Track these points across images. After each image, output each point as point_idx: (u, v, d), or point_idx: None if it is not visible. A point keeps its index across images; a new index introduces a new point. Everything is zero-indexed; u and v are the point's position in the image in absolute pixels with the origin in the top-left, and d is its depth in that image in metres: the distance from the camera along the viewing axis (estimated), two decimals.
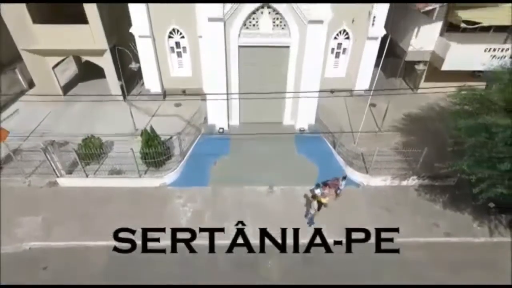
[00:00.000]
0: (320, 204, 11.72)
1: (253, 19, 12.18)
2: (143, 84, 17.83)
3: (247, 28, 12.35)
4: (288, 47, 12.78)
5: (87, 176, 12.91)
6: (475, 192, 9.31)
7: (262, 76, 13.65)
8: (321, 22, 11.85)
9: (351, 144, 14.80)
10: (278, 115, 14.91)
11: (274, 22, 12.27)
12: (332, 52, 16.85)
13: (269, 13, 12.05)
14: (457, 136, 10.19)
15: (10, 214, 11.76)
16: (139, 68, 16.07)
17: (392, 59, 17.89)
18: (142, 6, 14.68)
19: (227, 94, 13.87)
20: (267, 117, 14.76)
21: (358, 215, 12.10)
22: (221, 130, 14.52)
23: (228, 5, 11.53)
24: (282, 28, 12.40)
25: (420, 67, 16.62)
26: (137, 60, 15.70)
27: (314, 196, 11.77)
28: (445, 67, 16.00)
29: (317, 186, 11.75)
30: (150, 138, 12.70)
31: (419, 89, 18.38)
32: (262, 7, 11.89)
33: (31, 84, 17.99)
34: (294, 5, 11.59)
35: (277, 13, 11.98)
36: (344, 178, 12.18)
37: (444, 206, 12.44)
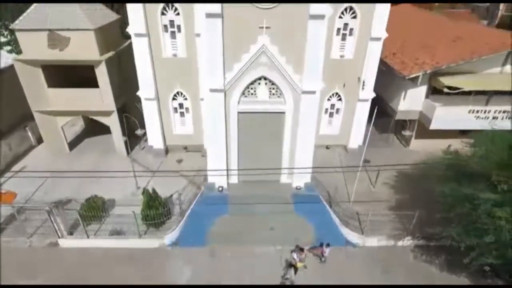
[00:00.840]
0: (296, 269, 11.91)
1: (251, 88, 13.26)
2: (146, 139, 18.67)
3: (245, 96, 13.38)
4: (283, 112, 13.74)
5: (88, 237, 13.16)
6: (466, 262, 9.56)
7: (260, 137, 14.44)
8: (313, 92, 12.90)
9: (346, 202, 15.21)
10: (276, 174, 15.48)
11: (270, 91, 13.35)
12: (326, 112, 17.90)
13: (266, 83, 13.16)
14: (444, 202, 10.65)
15: (9, 277, 11.85)
16: (144, 126, 17.08)
17: (384, 117, 18.95)
18: (149, 71, 15.92)
19: (227, 153, 14.61)
20: (264, 175, 15.32)
21: (353, 276, 12.18)
22: (220, 189, 15.02)
23: (228, 77, 12.64)
24: (278, 96, 13.44)
25: (407, 133, 17.72)
26: (142, 125, 16.70)
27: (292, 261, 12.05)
28: (433, 126, 16.92)
29: (293, 250, 12.09)
30: (151, 199, 13.16)
31: (410, 145, 19.23)
32: (259, 79, 13.01)
33: (39, 140, 18.82)
34: (289, 77, 12.70)
35: (273, 83, 13.09)
36: (328, 245, 12.36)
37: (441, 268, 12.54)
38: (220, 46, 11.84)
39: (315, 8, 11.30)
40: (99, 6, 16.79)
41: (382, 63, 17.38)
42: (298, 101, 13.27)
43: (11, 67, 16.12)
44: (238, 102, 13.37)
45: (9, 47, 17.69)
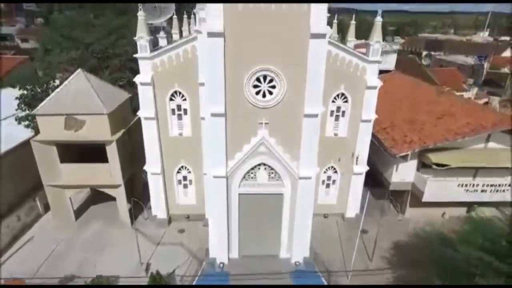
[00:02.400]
0: None
1: (252, 173, 14.26)
2: (150, 207, 19.36)
3: (246, 179, 14.35)
4: (282, 194, 14.63)
5: None
6: None
7: (260, 215, 15.19)
8: (309, 178, 13.89)
9: (344, 278, 15.58)
10: (275, 248, 16.02)
11: (269, 175, 14.34)
12: (323, 183, 18.81)
13: (265, 168, 14.19)
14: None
15: None
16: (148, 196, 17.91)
17: (380, 185, 19.87)
18: (156, 149, 17.05)
19: (228, 230, 15.26)
20: (264, 250, 15.90)
21: None
22: (221, 265, 15.46)
23: (231, 165, 13.70)
24: (277, 180, 14.41)
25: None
26: (146, 196, 17.54)
27: None
28: (425, 199, 17.75)
29: None
30: (155, 280, 13.59)
31: (405, 213, 19.92)
32: (259, 165, 14.06)
33: (46, 208, 19.51)
34: (286, 164, 13.76)
35: (272, 169, 14.11)
36: None
37: None
38: (223, 139, 13.02)
39: (309, 107, 12.63)
40: (112, 88, 18.38)
41: (374, 137, 18.66)
42: (295, 184, 14.21)
43: (26, 142, 17.34)
44: (239, 185, 14.31)
45: (26, 122, 18.98)
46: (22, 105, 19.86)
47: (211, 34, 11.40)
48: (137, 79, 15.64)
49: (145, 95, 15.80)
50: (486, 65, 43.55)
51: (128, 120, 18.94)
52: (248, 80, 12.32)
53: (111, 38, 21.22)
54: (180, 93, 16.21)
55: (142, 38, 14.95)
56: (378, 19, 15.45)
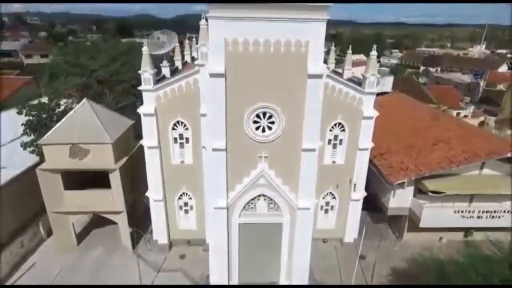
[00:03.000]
0: None
1: (252, 203, 14.62)
2: (151, 231, 19.63)
3: (246, 210, 14.69)
4: (281, 223, 14.95)
5: None
6: None
7: (260, 243, 15.46)
8: (308, 208, 14.24)
9: None
10: (275, 275, 16.24)
11: (269, 205, 14.68)
12: (321, 208, 19.13)
13: (265, 199, 14.55)
14: None
15: None
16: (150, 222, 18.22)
17: (378, 210, 20.19)
18: (159, 176, 17.44)
19: (228, 257, 15.52)
20: (264, 277, 16.12)
21: None
22: None
23: (231, 196, 14.06)
24: (276, 210, 14.75)
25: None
26: (148, 221, 17.85)
27: None
28: (422, 224, 18.05)
29: None
30: None
31: (403, 237, 20.17)
32: (259, 196, 14.43)
33: (49, 233, 19.78)
34: (285, 195, 14.13)
35: (272, 199, 14.47)
36: None
37: None
38: (224, 172, 13.42)
39: (307, 142, 13.08)
40: (116, 115, 18.90)
41: (372, 162, 19.08)
42: (294, 214, 14.55)
43: (31, 169, 17.76)
44: (240, 215, 14.64)
45: (31, 148, 19.42)
46: (28, 131, 20.32)
47: (213, 75, 11.93)
48: (141, 110, 16.17)
49: (148, 125, 16.30)
50: (482, 83, 44.27)
51: (131, 146, 19.40)
52: (248, 116, 12.80)
53: (115, 65, 21.88)
54: (182, 122, 16.71)
55: (146, 72, 15.54)
56: (373, 53, 16.06)
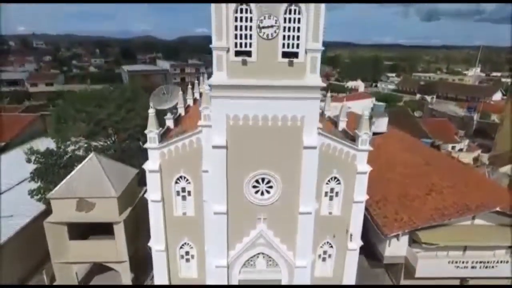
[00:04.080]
0: None
1: (251, 261, 15.20)
2: (152, 277, 20.00)
3: (246, 267, 15.26)
4: (280, 280, 15.47)
5: None
6: None
7: None
8: (305, 267, 14.81)
9: None
10: None
11: (268, 263, 15.27)
12: (319, 257, 19.58)
13: (264, 257, 15.15)
14: None
15: None
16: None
17: (375, 258, 20.65)
18: (161, 228, 18.04)
19: None
20: None
21: None
22: None
23: (232, 254, 14.67)
24: (275, 267, 15.32)
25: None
26: (151, 279, 18.26)
27: None
28: (418, 275, 18.49)
29: None
30: None
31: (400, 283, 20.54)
32: (258, 254, 15.04)
33: (52, 280, 20.15)
34: (283, 253, 14.75)
35: (270, 257, 15.07)
36: None
37: None
38: (225, 233, 14.12)
39: (303, 206, 13.84)
40: (121, 166, 19.73)
41: (367, 210, 19.71)
42: (292, 271, 15.11)
43: (37, 218, 18.40)
44: (239, 272, 15.20)
45: (38, 196, 20.14)
46: (36, 178, 21.10)
47: (215, 147, 12.83)
48: (146, 167, 16.97)
49: (153, 180, 17.04)
50: (475, 116, 45.50)
51: (135, 195, 20.09)
52: (248, 182, 13.63)
53: (121, 113, 22.90)
54: (185, 177, 17.48)
55: (151, 132, 16.46)
56: (366, 114, 17.04)
